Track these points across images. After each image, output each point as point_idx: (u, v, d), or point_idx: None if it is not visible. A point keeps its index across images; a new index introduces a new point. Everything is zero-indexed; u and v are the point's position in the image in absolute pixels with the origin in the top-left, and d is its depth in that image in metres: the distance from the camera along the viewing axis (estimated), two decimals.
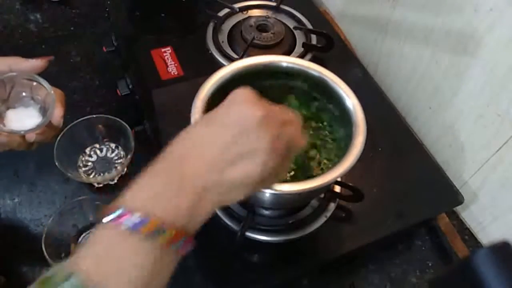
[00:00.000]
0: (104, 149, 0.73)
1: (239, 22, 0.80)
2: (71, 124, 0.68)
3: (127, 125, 0.69)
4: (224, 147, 0.34)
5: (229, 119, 0.36)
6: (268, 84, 0.57)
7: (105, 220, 0.31)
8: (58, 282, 0.28)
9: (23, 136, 0.48)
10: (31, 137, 0.48)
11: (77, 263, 0.30)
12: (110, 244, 0.31)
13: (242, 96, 0.37)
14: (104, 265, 0.30)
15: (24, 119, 0.48)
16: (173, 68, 0.73)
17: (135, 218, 0.30)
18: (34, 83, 0.48)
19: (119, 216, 0.31)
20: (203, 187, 0.33)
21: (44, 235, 0.58)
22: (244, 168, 0.34)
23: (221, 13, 0.81)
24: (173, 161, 0.34)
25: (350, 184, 0.58)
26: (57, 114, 0.48)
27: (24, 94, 0.49)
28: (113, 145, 0.73)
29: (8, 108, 0.49)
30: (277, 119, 0.37)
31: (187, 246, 0.33)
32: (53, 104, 0.48)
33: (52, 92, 0.48)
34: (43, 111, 0.49)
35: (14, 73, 0.47)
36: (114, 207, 0.31)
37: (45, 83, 0.48)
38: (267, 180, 0.37)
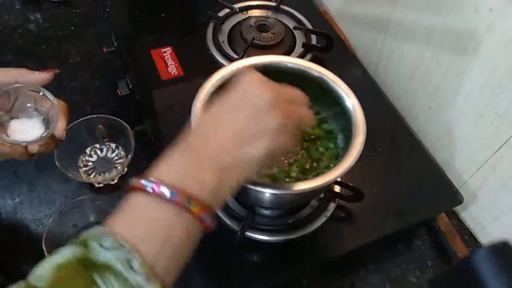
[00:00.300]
0: (105, 149, 0.73)
1: (239, 22, 0.80)
2: (71, 124, 0.67)
3: (127, 125, 0.69)
4: (241, 127, 0.37)
5: (242, 101, 0.38)
6: None
7: (138, 185, 0.33)
8: (97, 238, 0.30)
9: (25, 147, 0.48)
10: (33, 149, 0.48)
11: (111, 226, 0.32)
12: (144, 210, 0.33)
13: (251, 78, 0.40)
14: (138, 228, 0.32)
15: (27, 130, 0.48)
16: (173, 68, 0.73)
17: (167, 190, 0.32)
18: (39, 95, 0.48)
19: (152, 186, 0.32)
20: (226, 165, 0.36)
21: (44, 235, 0.59)
22: (260, 145, 0.37)
23: (221, 13, 0.81)
24: (198, 141, 0.37)
25: (350, 184, 0.57)
26: (60, 126, 0.49)
27: (28, 105, 0.50)
28: (113, 145, 0.73)
29: (11, 118, 0.49)
30: (286, 99, 0.40)
31: (213, 221, 0.35)
32: (56, 116, 0.48)
33: (56, 103, 0.48)
34: (46, 122, 0.49)
35: (20, 85, 0.47)
36: (147, 177, 0.33)
37: (49, 94, 0.48)
38: (279, 155, 0.40)
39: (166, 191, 0.32)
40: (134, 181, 0.33)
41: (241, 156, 0.36)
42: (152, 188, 0.32)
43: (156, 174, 0.34)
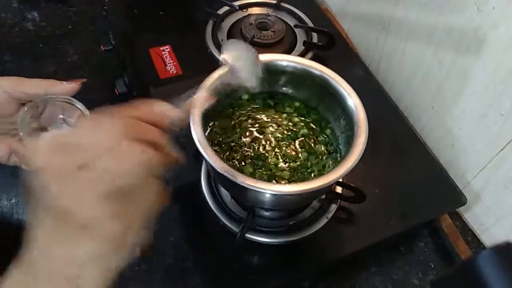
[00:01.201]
0: None
1: (238, 20, 0.80)
2: None
3: None
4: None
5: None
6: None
7: None
8: None
9: None
10: None
11: None
12: None
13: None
14: None
15: None
16: (171, 67, 0.73)
17: None
18: (67, 105, 0.48)
19: None
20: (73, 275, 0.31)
21: None
22: (85, 245, 0.31)
23: (221, 11, 0.80)
24: (36, 259, 0.32)
25: (352, 184, 0.57)
26: None
27: (59, 116, 0.49)
28: None
29: (41, 130, 0.48)
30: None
31: None
32: None
33: (89, 114, 0.48)
34: None
35: (49, 96, 0.47)
36: None
37: (81, 106, 0.48)
38: (124, 250, 0.32)
39: None
40: None
41: (73, 258, 0.31)
42: None
43: None
